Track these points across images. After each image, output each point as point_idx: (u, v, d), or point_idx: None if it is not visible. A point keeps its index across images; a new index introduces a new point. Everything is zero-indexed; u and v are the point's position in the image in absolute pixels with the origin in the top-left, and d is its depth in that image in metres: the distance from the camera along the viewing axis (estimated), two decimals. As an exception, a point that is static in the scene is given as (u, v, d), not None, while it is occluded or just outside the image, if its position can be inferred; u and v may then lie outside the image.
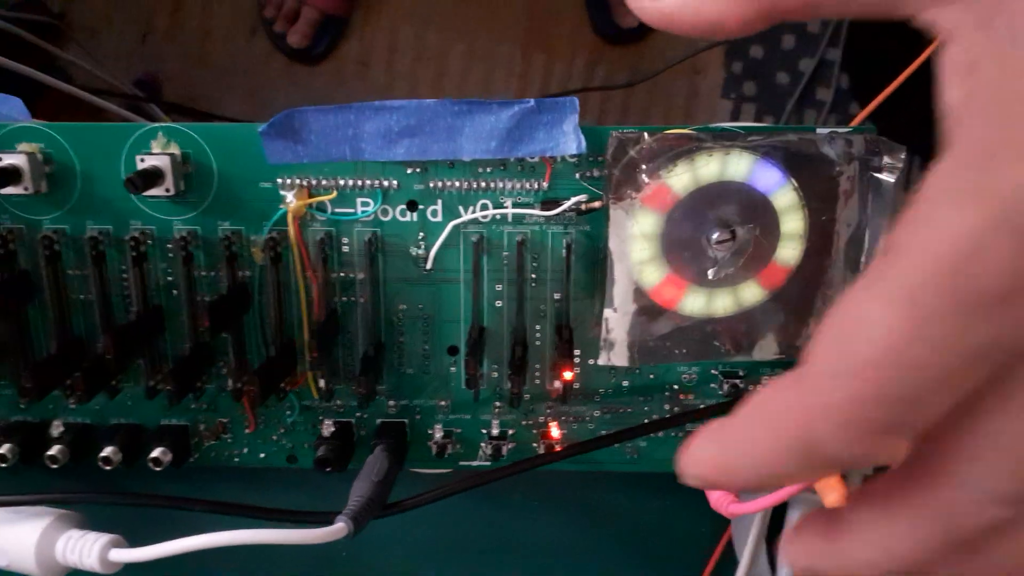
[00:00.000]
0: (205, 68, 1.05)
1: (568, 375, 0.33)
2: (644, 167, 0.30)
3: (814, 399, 0.15)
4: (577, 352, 0.36)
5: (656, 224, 0.31)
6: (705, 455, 0.17)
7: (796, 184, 0.31)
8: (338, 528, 0.30)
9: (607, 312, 0.32)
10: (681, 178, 0.31)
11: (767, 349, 0.33)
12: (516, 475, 0.34)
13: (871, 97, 0.34)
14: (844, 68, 1.02)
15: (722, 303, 0.32)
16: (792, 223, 0.31)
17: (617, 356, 0.33)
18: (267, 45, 1.02)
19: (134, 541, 0.32)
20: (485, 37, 1.03)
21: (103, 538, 0.31)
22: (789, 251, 0.32)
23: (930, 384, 0.14)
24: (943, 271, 0.14)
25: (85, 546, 0.31)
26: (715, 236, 0.31)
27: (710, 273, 0.31)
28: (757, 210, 0.31)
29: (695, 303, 0.32)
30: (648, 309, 0.32)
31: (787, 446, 0.15)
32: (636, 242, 0.31)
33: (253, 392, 0.33)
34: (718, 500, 0.32)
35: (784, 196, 0.31)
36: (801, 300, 0.32)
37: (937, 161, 0.15)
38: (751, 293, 0.32)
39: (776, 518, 0.38)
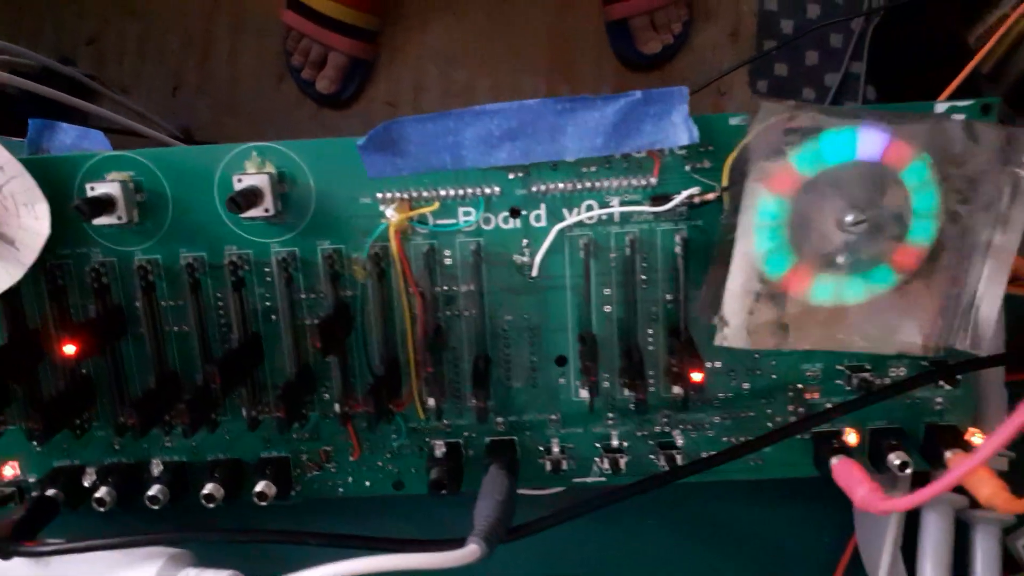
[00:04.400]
0: (235, 117, 1.05)
1: (697, 376, 0.31)
2: (774, 147, 0.29)
3: None
4: (693, 354, 0.34)
5: (781, 209, 0.30)
6: None
7: (929, 159, 0.29)
8: (471, 550, 0.29)
9: (727, 294, 0.30)
10: (806, 159, 0.29)
11: (899, 342, 0.31)
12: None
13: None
14: (870, 80, 1.02)
15: (852, 290, 0.31)
16: (925, 200, 0.30)
17: (735, 338, 0.31)
18: (295, 92, 1.02)
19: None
20: (509, 70, 1.04)
21: (222, 575, 0.30)
22: (922, 231, 0.30)
23: None
24: None
25: (203, 585, 0.29)
26: (849, 218, 0.29)
27: (841, 258, 0.30)
28: (887, 189, 0.30)
29: (824, 290, 0.31)
30: (772, 294, 0.31)
31: None
32: (758, 231, 0.30)
33: (371, 415, 0.31)
34: (866, 497, 0.30)
35: (916, 172, 0.30)
36: (936, 288, 0.31)
37: None
38: (883, 277, 0.31)
39: (909, 526, 0.36)
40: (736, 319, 0.30)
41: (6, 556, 0.31)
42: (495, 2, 1.02)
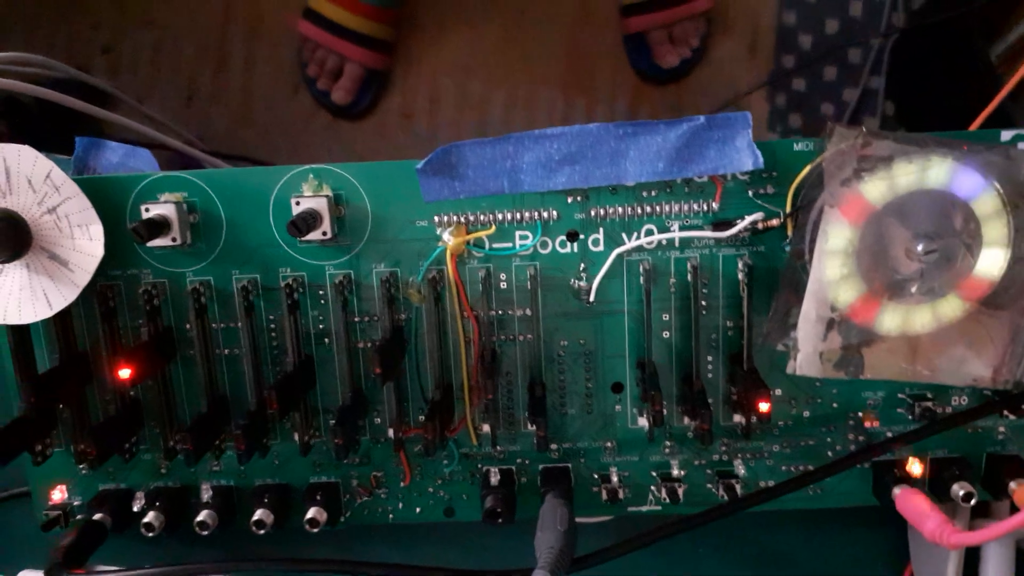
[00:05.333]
0: (249, 127, 1.05)
1: (765, 406, 0.31)
2: (845, 173, 0.28)
3: None
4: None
5: (849, 238, 0.29)
6: None
7: (999, 188, 0.29)
8: (537, 583, 0.28)
9: (801, 320, 0.30)
10: (876, 187, 0.29)
11: (969, 374, 0.31)
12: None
13: (918, 123, 0.32)
14: (888, 96, 1.02)
15: (919, 319, 0.30)
16: (996, 230, 0.29)
17: (807, 366, 0.31)
18: (310, 102, 1.02)
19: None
20: (525, 83, 1.03)
21: (281, 608, 0.29)
22: (992, 260, 0.30)
23: None
24: None
25: (263, 617, 0.29)
26: (920, 247, 0.29)
27: (913, 288, 0.30)
28: (956, 218, 0.29)
29: (892, 320, 0.30)
30: (840, 322, 0.30)
31: None
32: (828, 258, 0.30)
33: (429, 441, 0.31)
34: (935, 530, 0.30)
35: (987, 202, 0.29)
36: (1006, 319, 0.30)
37: None
38: (951, 307, 0.30)
39: (969, 562, 0.36)
40: (809, 346, 0.30)
41: (58, 585, 0.30)
42: (511, 14, 1.01)
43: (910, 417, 0.34)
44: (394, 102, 1.02)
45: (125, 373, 0.30)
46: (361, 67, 0.96)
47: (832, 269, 0.30)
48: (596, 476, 0.35)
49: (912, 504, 0.32)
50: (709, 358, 0.34)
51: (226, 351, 0.34)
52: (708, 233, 0.32)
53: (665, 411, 0.33)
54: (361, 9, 0.94)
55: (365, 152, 1.00)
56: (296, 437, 0.33)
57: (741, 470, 0.34)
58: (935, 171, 0.29)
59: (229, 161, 0.88)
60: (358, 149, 1.05)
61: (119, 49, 0.99)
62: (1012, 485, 0.32)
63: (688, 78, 1.03)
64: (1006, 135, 0.32)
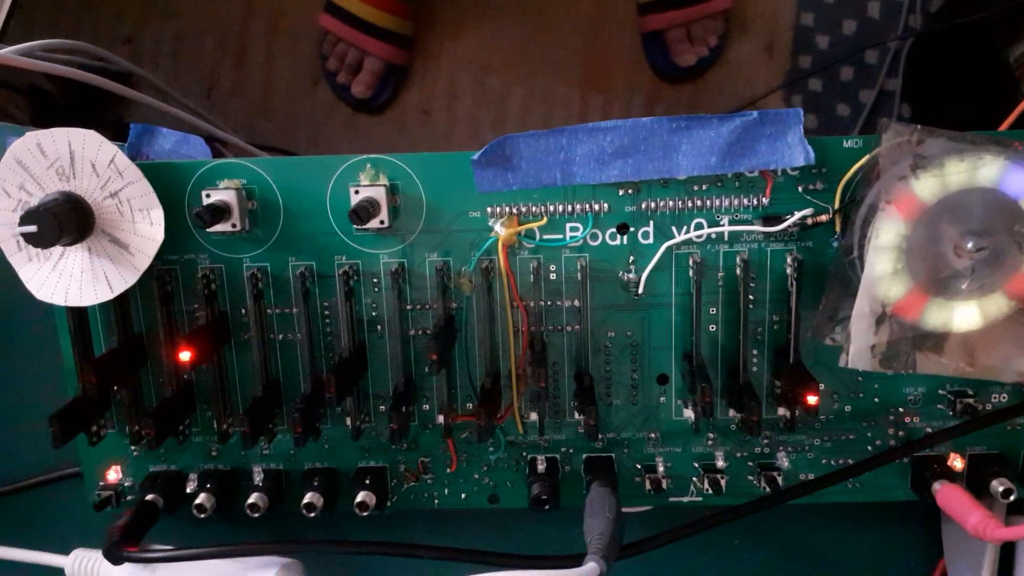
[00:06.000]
0: (269, 120, 1.05)
1: (812, 399, 0.31)
2: (899, 170, 0.29)
3: None
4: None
5: (901, 234, 0.30)
6: None
7: (1050, 187, 0.29)
8: (590, 569, 0.29)
9: (854, 315, 0.31)
10: (928, 184, 0.30)
11: (1011, 370, 0.32)
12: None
13: (934, 125, 0.33)
14: (904, 98, 1.03)
15: (966, 316, 0.31)
16: (1044, 228, 0.30)
17: (859, 360, 0.31)
18: (329, 96, 1.02)
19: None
20: (543, 80, 1.04)
21: (339, 588, 0.29)
22: (1040, 258, 0.30)
23: None
24: None
25: (320, 597, 0.29)
26: (970, 244, 0.29)
27: (963, 284, 0.30)
28: (1006, 216, 0.30)
29: (938, 316, 0.31)
30: (890, 317, 0.31)
31: None
32: (880, 254, 0.30)
33: (481, 427, 0.31)
34: (978, 524, 0.30)
35: (1037, 200, 0.30)
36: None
37: None
38: (997, 305, 0.31)
39: (1004, 556, 0.36)
40: (861, 340, 0.31)
41: (116, 561, 0.31)
42: (530, 11, 1.02)
43: (950, 413, 0.34)
44: (413, 97, 1.02)
45: (185, 356, 0.31)
46: (381, 61, 0.96)
47: (883, 264, 0.30)
48: (639, 466, 0.35)
49: (954, 499, 0.32)
50: (755, 352, 0.34)
51: (280, 336, 0.34)
52: (758, 228, 0.33)
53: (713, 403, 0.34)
54: (382, 4, 0.94)
55: (383, 146, 1.00)
56: (348, 422, 0.34)
57: (784, 463, 0.35)
58: (987, 169, 0.30)
59: (261, 151, 0.88)
60: (376, 143, 1.06)
61: (141, 40, 1.00)
62: (1051, 481, 0.33)
63: (705, 77, 1.04)
64: (1055, 134, 0.32)
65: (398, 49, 0.97)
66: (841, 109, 1.07)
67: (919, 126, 0.30)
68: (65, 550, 0.34)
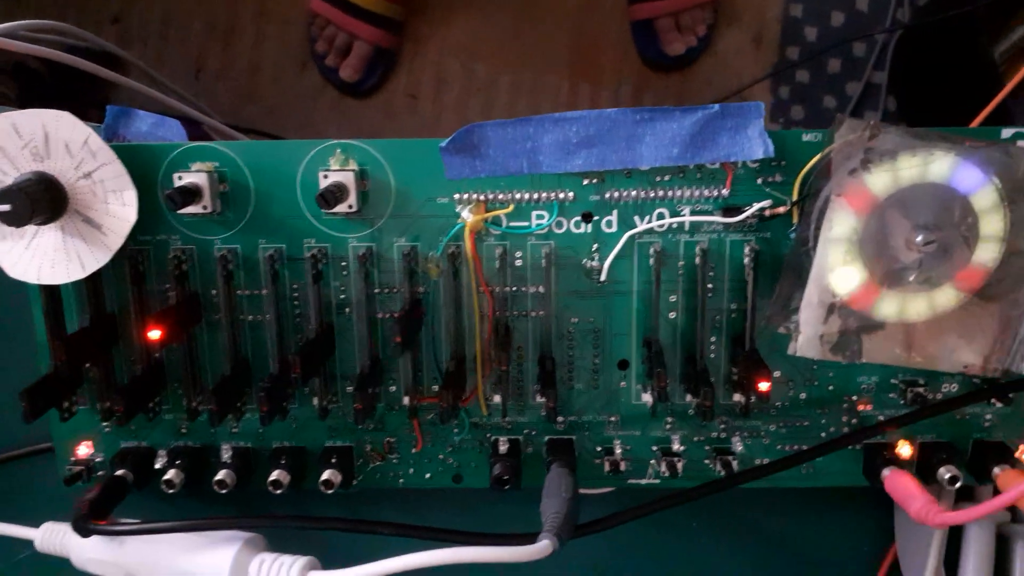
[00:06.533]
0: (256, 103, 1.05)
1: (764, 385, 0.32)
2: (851, 164, 0.30)
3: None
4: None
5: (852, 227, 0.31)
6: None
7: (998, 184, 0.30)
8: (543, 546, 0.30)
9: (803, 304, 0.31)
10: (881, 178, 0.30)
11: (960, 361, 0.32)
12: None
13: (919, 118, 0.33)
14: (891, 90, 1.03)
15: (915, 307, 0.32)
16: (992, 224, 0.31)
17: (807, 348, 0.32)
18: (317, 80, 1.02)
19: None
20: (531, 68, 1.04)
21: (300, 560, 0.30)
22: (988, 253, 0.31)
23: None
24: None
25: (282, 569, 0.30)
26: (920, 238, 0.30)
27: (911, 277, 0.31)
28: (955, 212, 0.31)
29: (889, 307, 0.32)
30: (840, 307, 0.32)
31: None
32: (832, 245, 0.31)
33: (444, 409, 0.32)
34: (921, 509, 0.31)
35: (985, 196, 0.31)
36: (998, 310, 0.32)
37: None
38: (946, 297, 0.32)
39: (952, 542, 0.37)
40: (810, 329, 0.31)
41: (84, 534, 0.31)
42: (520, -1, 1.02)
43: (902, 402, 0.35)
44: (401, 82, 1.03)
45: (155, 334, 0.32)
46: (370, 45, 0.97)
47: (835, 256, 0.31)
48: (599, 449, 0.36)
49: (900, 484, 0.33)
50: (712, 339, 0.35)
51: (250, 317, 0.35)
52: (717, 218, 0.34)
53: (669, 387, 0.34)
54: (372, -12, 0.94)
55: (370, 131, 1.01)
56: (315, 402, 0.35)
57: (739, 447, 0.36)
58: (937, 165, 0.30)
59: (243, 134, 0.88)
60: (363, 128, 1.06)
61: (128, 21, 0.99)
62: (996, 470, 0.34)
63: (693, 67, 1.04)
64: (1006, 133, 0.33)
65: (387, 33, 0.97)
66: (828, 101, 1.08)
67: (872, 121, 0.31)
68: (36, 523, 0.35)
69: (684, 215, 0.34)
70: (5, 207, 0.30)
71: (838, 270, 0.31)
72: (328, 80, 1.02)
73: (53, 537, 0.33)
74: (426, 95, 1.04)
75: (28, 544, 0.34)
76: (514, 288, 0.35)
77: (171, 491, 0.34)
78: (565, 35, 1.04)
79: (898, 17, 0.99)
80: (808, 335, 0.32)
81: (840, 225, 0.31)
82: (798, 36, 1.01)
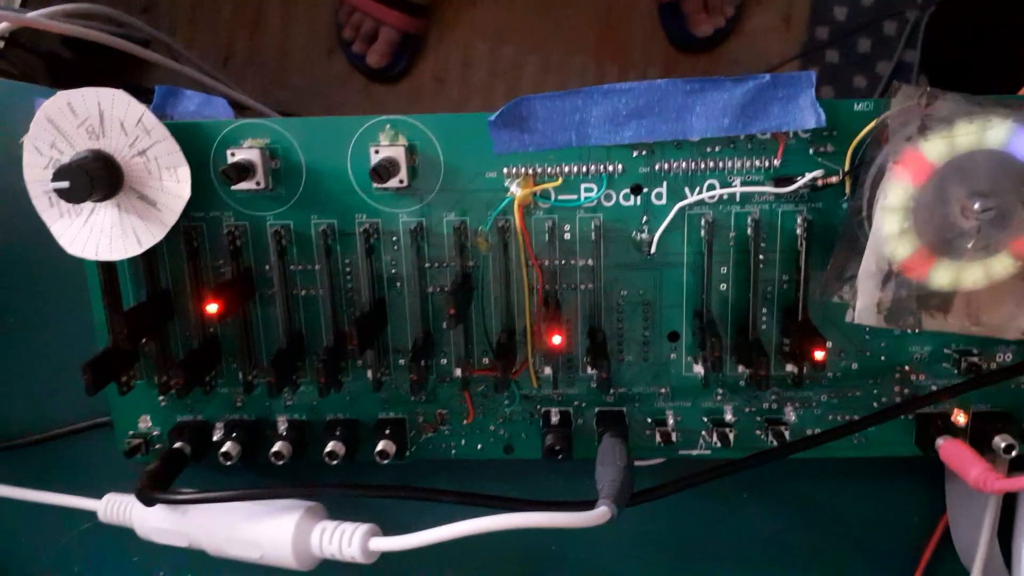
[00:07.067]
0: (284, 88, 1.06)
1: (820, 354, 0.32)
2: (907, 131, 0.30)
3: None
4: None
5: (908, 195, 0.31)
6: None
7: (1057, 149, 0.30)
8: (601, 512, 0.30)
9: (860, 272, 0.31)
10: (936, 146, 0.30)
11: (1015, 327, 0.32)
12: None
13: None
14: (923, 70, 1.02)
15: (971, 275, 0.32)
16: (1050, 189, 0.30)
17: (865, 316, 0.32)
18: (344, 65, 1.03)
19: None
20: (558, 49, 1.04)
21: (361, 527, 0.31)
22: (1045, 219, 0.31)
23: None
24: None
25: (344, 536, 0.31)
26: (977, 205, 0.30)
27: (968, 244, 0.31)
28: (1013, 178, 0.30)
29: (944, 276, 0.32)
30: (896, 275, 0.31)
31: None
32: (888, 214, 0.31)
33: (498, 379, 0.32)
34: (979, 476, 0.31)
35: (1043, 161, 0.30)
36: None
37: None
38: (1002, 265, 0.31)
39: (1006, 514, 0.37)
40: (867, 297, 0.31)
41: (149, 503, 0.32)
42: (546, -20, 1.02)
43: (955, 372, 0.35)
44: (428, 66, 1.03)
45: (212, 308, 0.32)
46: (396, 31, 0.97)
47: (890, 224, 0.31)
48: (650, 420, 0.37)
49: (956, 453, 0.33)
50: (764, 310, 0.35)
51: (303, 292, 0.35)
52: (769, 188, 0.33)
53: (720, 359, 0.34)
54: (398, -27, 0.94)
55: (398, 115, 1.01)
56: (369, 375, 0.35)
57: (791, 417, 0.36)
58: (995, 132, 0.30)
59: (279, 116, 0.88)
60: (391, 112, 1.07)
61: (158, 7, 1.00)
62: (1052, 438, 0.34)
63: (721, 48, 1.03)
64: (1064, 97, 0.33)
65: (413, 18, 0.97)
66: (858, 81, 1.06)
67: (929, 88, 0.30)
68: (97, 495, 0.35)
69: (735, 186, 0.34)
70: (64, 184, 0.30)
71: (893, 238, 0.31)
72: (355, 67, 1.02)
73: (115, 508, 0.34)
74: (453, 79, 1.04)
75: (91, 515, 0.35)
76: (563, 261, 0.35)
77: (228, 463, 0.35)
78: (592, 16, 1.04)
79: (929, -6, 0.97)
80: (865, 303, 0.31)
81: (896, 193, 0.31)
82: (827, 15, 1.00)
